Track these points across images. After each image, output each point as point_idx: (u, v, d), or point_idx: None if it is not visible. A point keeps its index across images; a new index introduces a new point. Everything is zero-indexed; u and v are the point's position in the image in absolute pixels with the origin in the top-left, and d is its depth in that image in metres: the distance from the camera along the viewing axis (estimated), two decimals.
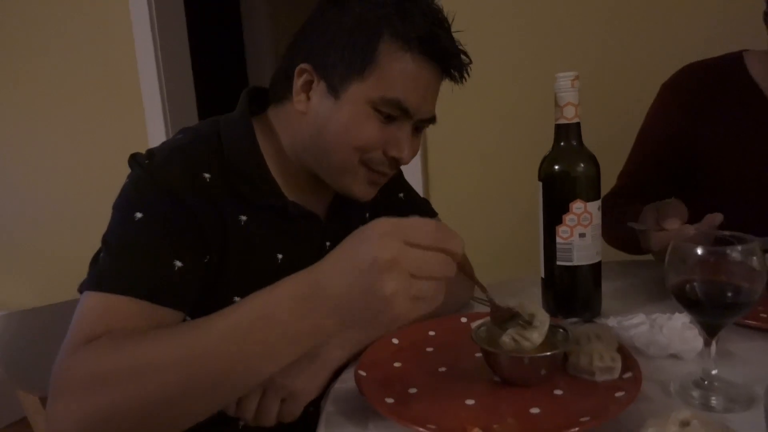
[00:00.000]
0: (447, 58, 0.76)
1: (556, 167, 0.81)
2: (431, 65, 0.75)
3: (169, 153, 0.73)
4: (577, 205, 0.80)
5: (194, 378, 0.53)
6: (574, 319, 0.77)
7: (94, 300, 0.64)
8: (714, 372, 0.61)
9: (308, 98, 0.77)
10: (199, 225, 0.71)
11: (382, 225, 0.51)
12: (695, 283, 0.59)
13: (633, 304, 0.87)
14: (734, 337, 0.73)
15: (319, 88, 0.76)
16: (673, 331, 0.70)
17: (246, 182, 0.76)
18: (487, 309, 0.85)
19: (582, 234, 0.80)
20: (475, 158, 1.69)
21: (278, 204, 0.79)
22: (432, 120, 0.81)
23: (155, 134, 2.13)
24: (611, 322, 0.77)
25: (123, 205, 0.70)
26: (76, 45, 2.19)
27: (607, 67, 1.50)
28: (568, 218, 0.80)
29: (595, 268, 0.83)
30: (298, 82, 0.77)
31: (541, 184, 0.83)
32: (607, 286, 0.86)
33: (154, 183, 0.69)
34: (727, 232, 0.60)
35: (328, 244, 0.85)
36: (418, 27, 0.73)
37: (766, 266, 0.56)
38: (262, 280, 0.77)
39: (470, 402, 0.62)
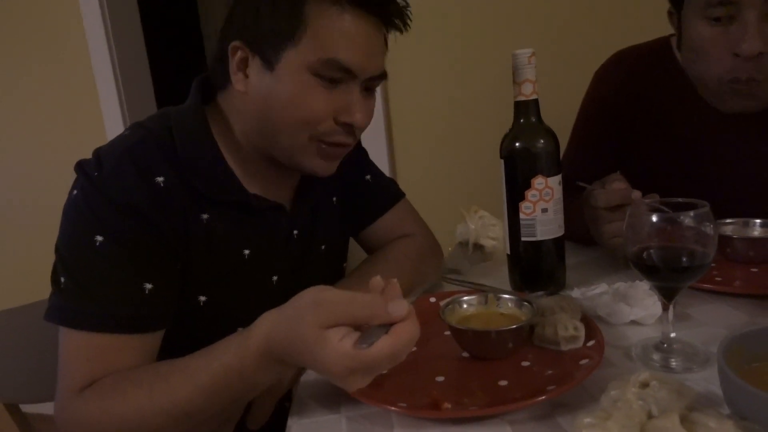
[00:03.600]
0: (381, 5, 0.72)
1: (517, 144, 0.82)
2: (366, 16, 0.71)
3: (118, 160, 0.69)
4: (538, 181, 0.81)
5: (177, 422, 0.60)
6: (540, 293, 0.78)
7: (76, 341, 0.65)
8: (672, 335, 0.64)
9: (246, 76, 0.73)
10: (162, 236, 0.69)
11: (335, 337, 0.51)
12: (651, 250, 0.60)
13: (596, 276, 0.89)
14: (692, 301, 0.76)
15: (254, 63, 0.72)
16: (634, 298, 0.72)
17: (203, 179, 0.73)
18: (456, 287, 0.87)
19: (544, 209, 0.82)
20: (441, 137, 1.70)
21: (240, 199, 0.76)
22: (383, 76, 0.76)
23: (113, 127, 2.07)
24: (575, 293, 0.79)
25: (79, 224, 0.67)
26: (23, 31, 2.10)
27: (565, 44, 1.52)
28: (530, 194, 0.81)
29: (559, 242, 0.84)
30: (234, 61, 0.73)
31: (502, 161, 0.84)
32: (571, 260, 0.88)
33: (108, 200, 0.66)
34: (681, 199, 0.62)
35: (295, 232, 0.84)
36: None
37: (718, 231, 0.58)
38: (229, 277, 0.77)
39: (440, 378, 0.63)
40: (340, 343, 0.50)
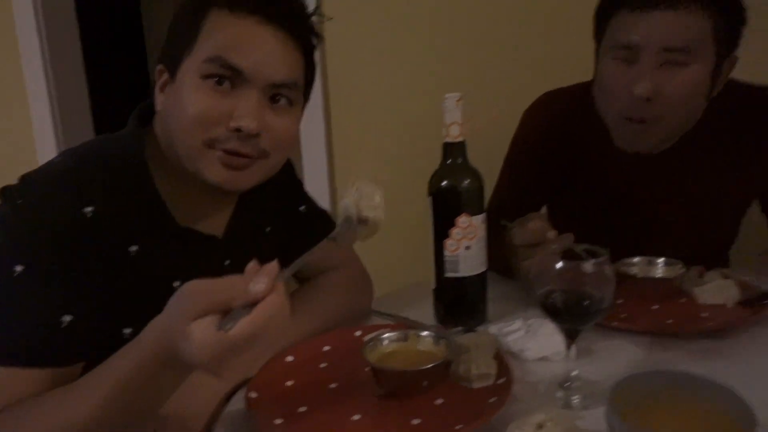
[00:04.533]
0: (279, 13, 0.72)
1: (443, 183, 0.85)
2: (266, 23, 0.71)
3: (44, 188, 0.67)
4: (462, 219, 0.85)
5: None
6: (459, 329, 0.82)
7: None
8: (575, 373, 0.68)
9: (164, 94, 0.75)
10: (86, 268, 0.67)
11: (199, 329, 0.52)
12: (555, 293, 0.65)
13: (516, 308, 0.93)
14: (597, 337, 0.81)
15: (168, 82, 0.74)
16: (545, 335, 0.77)
17: (135, 211, 0.72)
18: (383, 321, 0.89)
19: (468, 246, 0.85)
20: (379, 168, 1.74)
21: (171, 231, 0.76)
22: (290, 86, 0.74)
23: (44, 146, 1.99)
24: (493, 329, 0.83)
25: None
26: None
27: (492, 87, 1.59)
28: (454, 232, 0.85)
29: (481, 278, 0.88)
30: (158, 84, 0.75)
31: (430, 199, 0.87)
32: (495, 291, 0.92)
33: (31, 230, 0.64)
34: (583, 246, 0.67)
35: (227, 262, 0.84)
36: None
37: (614, 279, 0.63)
38: (159, 310, 0.75)
39: (356, 417, 0.64)
40: (203, 333, 0.51)
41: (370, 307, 0.94)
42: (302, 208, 0.98)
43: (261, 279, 0.54)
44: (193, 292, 0.54)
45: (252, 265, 0.57)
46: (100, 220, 0.69)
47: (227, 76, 0.70)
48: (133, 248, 0.72)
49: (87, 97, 2.13)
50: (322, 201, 1.76)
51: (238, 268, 0.86)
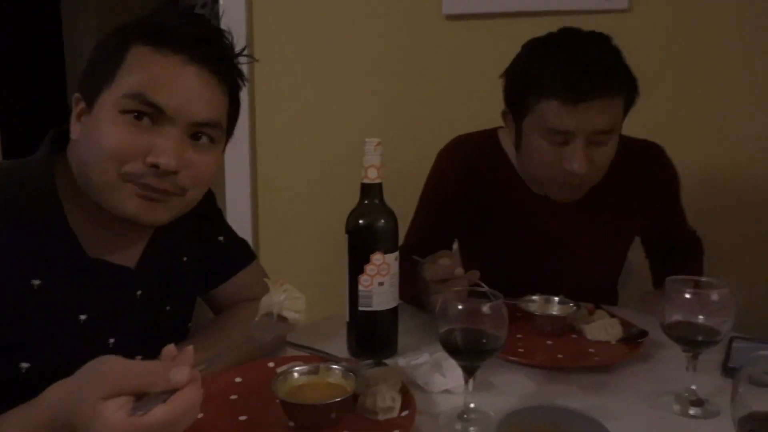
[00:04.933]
0: (201, 50, 0.72)
1: (360, 222, 0.90)
2: (188, 62, 0.72)
3: None
4: (376, 257, 0.89)
5: None
6: (369, 362, 0.85)
7: None
8: (472, 405, 0.73)
9: (81, 124, 0.74)
10: None
11: (110, 412, 0.50)
12: (455, 333, 0.70)
13: (425, 341, 0.98)
14: (496, 370, 0.87)
15: (85, 111, 0.73)
16: (448, 369, 0.82)
17: (41, 242, 0.70)
18: (298, 353, 0.91)
19: (381, 282, 0.90)
20: (300, 203, 1.79)
21: (80, 263, 0.74)
22: (212, 125, 0.75)
23: None
24: (401, 361, 0.87)
25: None
26: None
27: (409, 133, 1.70)
28: (368, 268, 0.89)
29: (393, 312, 0.93)
30: (74, 113, 0.74)
31: (347, 236, 0.91)
32: (405, 324, 0.97)
33: None
34: (484, 288, 0.73)
35: (139, 293, 0.82)
36: (169, 26, 0.72)
37: (507, 320, 0.69)
38: (58, 343, 0.73)
39: None
40: (114, 414, 0.50)
41: (285, 340, 0.96)
42: (221, 238, 0.98)
43: (182, 369, 0.53)
44: (110, 372, 0.53)
45: (169, 348, 0.57)
46: (3, 251, 0.67)
47: (147, 112, 0.70)
48: (36, 282, 0.70)
49: None
50: (244, 232, 1.77)
51: (151, 298, 0.87)
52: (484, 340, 0.70)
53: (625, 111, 1.01)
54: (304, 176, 1.82)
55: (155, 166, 0.70)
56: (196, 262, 0.94)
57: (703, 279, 0.78)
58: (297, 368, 0.77)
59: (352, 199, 0.92)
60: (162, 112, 0.70)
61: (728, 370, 0.86)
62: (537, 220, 1.15)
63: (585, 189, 1.05)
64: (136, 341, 0.81)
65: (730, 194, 1.57)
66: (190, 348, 0.57)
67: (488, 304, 0.69)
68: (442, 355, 0.85)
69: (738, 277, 1.02)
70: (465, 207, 1.19)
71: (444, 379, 0.81)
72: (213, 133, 0.76)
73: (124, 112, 0.70)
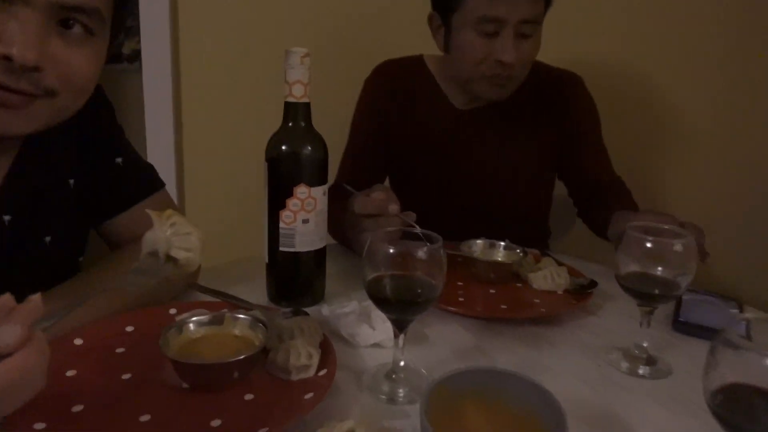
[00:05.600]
0: None
1: (282, 148, 0.76)
2: None
3: None
4: (301, 190, 0.76)
5: None
6: (287, 310, 0.73)
7: None
8: (402, 363, 0.63)
9: None
10: None
11: None
12: (384, 280, 0.59)
13: (356, 286, 0.87)
14: (432, 320, 0.78)
15: None
16: (378, 320, 0.72)
17: None
18: (206, 299, 0.78)
19: (305, 220, 0.77)
20: (223, 124, 1.60)
21: None
22: (87, 11, 0.58)
23: None
24: (325, 310, 0.76)
25: None
26: None
27: (344, 45, 1.53)
28: (291, 203, 0.76)
29: (319, 254, 0.81)
30: None
31: (266, 164, 0.77)
32: (333, 267, 0.86)
33: None
34: (419, 230, 0.62)
35: (7, 219, 0.67)
36: None
37: (445, 267, 0.58)
38: None
39: (145, 418, 0.54)
40: None
41: (192, 283, 0.83)
42: (118, 159, 0.82)
43: (9, 329, 0.41)
44: None
45: (4, 299, 0.43)
46: None
47: None
48: None
49: None
50: (166, 157, 1.58)
51: (23, 227, 0.71)
52: (419, 290, 0.59)
53: (546, 7, 1.02)
54: (228, 91, 1.61)
55: (6, 58, 0.54)
56: (86, 186, 0.78)
57: (666, 227, 0.69)
58: (195, 317, 0.64)
59: (275, 122, 0.78)
60: None
61: (679, 325, 0.80)
62: (463, 142, 1.14)
63: (512, 87, 1.06)
64: (5, 278, 0.67)
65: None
66: (34, 299, 0.44)
67: (424, 248, 0.57)
68: (372, 304, 0.75)
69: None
70: (395, 133, 1.16)
71: (372, 331, 0.71)
72: (89, 22, 0.59)
73: None
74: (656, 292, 0.67)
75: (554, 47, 1.14)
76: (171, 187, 1.57)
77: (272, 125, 0.78)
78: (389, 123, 1.16)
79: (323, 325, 0.70)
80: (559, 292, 0.87)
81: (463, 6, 1.00)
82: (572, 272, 0.91)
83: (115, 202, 0.82)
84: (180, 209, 0.90)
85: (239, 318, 0.65)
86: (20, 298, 0.56)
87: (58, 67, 0.58)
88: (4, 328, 0.40)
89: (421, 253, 0.58)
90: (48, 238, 0.74)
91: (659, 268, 0.67)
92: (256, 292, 0.82)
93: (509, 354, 0.72)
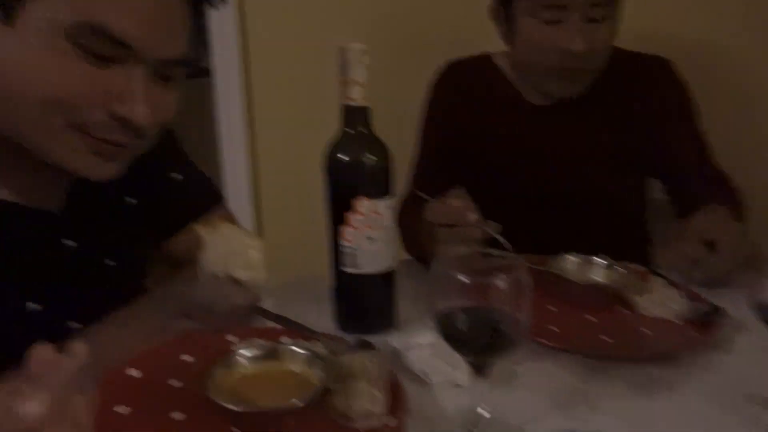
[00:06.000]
0: None
1: (339, 156, 0.68)
2: None
3: None
4: (362, 203, 0.68)
5: None
6: (351, 341, 0.65)
7: None
8: (483, 412, 0.53)
9: None
10: None
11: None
12: (458, 315, 0.49)
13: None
14: (523, 355, 0.65)
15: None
16: (456, 355, 0.62)
17: None
18: (268, 324, 0.72)
19: (370, 237, 0.69)
20: (296, 142, 1.55)
21: None
22: (184, 63, 0.58)
23: None
24: (395, 341, 0.67)
25: None
26: None
27: (403, 42, 1.42)
28: (353, 218, 0.68)
29: (388, 276, 0.72)
30: None
31: (325, 174, 0.70)
32: (408, 288, 0.76)
33: None
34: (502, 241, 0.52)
35: (69, 243, 0.65)
36: None
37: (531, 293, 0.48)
38: None
39: None
40: None
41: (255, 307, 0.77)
42: (177, 175, 0.78)
43: (38, 401, 0.37)
44: None
45: (43, 354, 0.39)
46: None
47: (111, 53, 0.52)
48: None
49: None
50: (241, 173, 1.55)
51: (86, 249, 0.68)
52: (499, 327, 0.48)
53: None
54: (299, 98, 1.55)
55: (125, 119, 0.54)
56: (146, 205, 0.75)
57: None
58: (248, 351, 0.58)
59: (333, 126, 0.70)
60: (129, 47, 0.52)
61: None
62: (542, 141, 1.04)
63: (585, 80, 0.96)
64: (68, 305, 0.64)
65: None
66: (77, 348, 0.40)
67: (505, 274, 0.47)
68: None
69: None
70: (468, 137, 1.06)
71: (450, 369, 0.61)
72: (182, 71, 0.59)
73: (77, 44, 0.50)
74: None
75: (636, 27, 1.02)
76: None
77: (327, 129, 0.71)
78: (462, 127, 1.07)
79: (393, 359, 0.61)
80: (675, 321, 0.72)
81: None
82: (690, 295, 0.76)
83: (174, 219, 0.79)
84: (242, 222, 0.86)
85: (296, 352, 0.58)
86: (85, 323, 0.53)
87: (157, 115, 0.57)
88: (29, 402, 0.36)
89: (502, 282, 0.47)
90: (111, 262, 0.71)
91: None
92: (324, 315, 0.75)
93: (616, 400, 0.59)
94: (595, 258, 0.81)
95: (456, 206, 0.74)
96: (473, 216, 0.72)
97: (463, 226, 0.73)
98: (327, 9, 1.51)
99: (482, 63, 1.09)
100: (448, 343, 0.50)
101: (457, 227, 0.73)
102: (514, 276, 0.47)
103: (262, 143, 1.61)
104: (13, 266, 0.60)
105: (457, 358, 0.61)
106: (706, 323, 0.70)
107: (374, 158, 0.67)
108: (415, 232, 0.82)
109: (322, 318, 0.73)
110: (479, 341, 0.49)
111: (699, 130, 1.04)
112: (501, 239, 0.74)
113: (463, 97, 1.07)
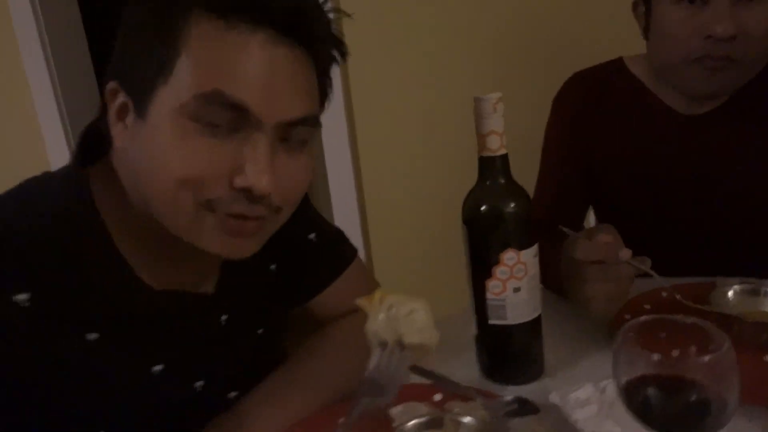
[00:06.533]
0: (291, 22, 0.52)
1: (482, 208, 0.66)
2: (274, 38, 0.52)
3: None
4: (509, 255, 0.65)
5: None
6: (510, 399, 0.63)
7: None
8: None
9: (126, 127, 0.55)
10: (15, 376, 0.51)
11: None
12: (649, 388, 0.46)
13: (579, 354, 0.74)
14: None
15: (131, 111, 0.55)
16: (623, 412, 0.58)
17: (89, 285, 0.55)
18: (418, 381, 0.71)
19: (517, 288, 0.66)
20: (406, 184, 1.54)
21: (141, 303, 0.58)
22: (308, 122, 0.56)
23: (54, 146, 1.86)
24: (554, 397, 0.64)
25: None
26: None
27: (526, 85, 1.37)
28: (498, 271, 0.66)
29: (534, 325, 0.69)
30: (112, 108, 0.55)
31: (464, 227, 0.68)
32: (549, 334, 0.73)
33: None
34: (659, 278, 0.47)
35: (224, 318, 0.67)
36: None
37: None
38: (136, 403, 0.59)
39: None
40: None
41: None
42: (312, 235, 0.79)
43: None
44: None
45: None
46: (42, 307, 0.52)
47: (229, 119, 0.52)
48: (92, 336, 0.55)
49: (96, 87, 1.99)
50: (351, 218, 1.56)
51: (239, 322, 0.68)
52: (699, 407, 0.44)
53: None
54: (408, 148, 1.52)
55: (247, 189, 0.53)
56: (286, 269, 0.76)
57: None
58: (411, 420, 0.57)
59: (469, 175, 0.69)
60: (245, 112, 0.51)
61: None
62: (693, 155, 0.92)
63: (735, 75, 0.83)
64: (227, 378, 0.67)
65: None
66: None
67: (710, 352, 0.43)
68: (611, 385, 0.61)
69: None
70: (599, 153, 0.97)
71: (618, 429, 0.58)
72: (307, 132, 0.57)
73: (197, 119, 0.51)
74: None
75: None
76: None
77: (460, 180, 0.70)
78: (591, 142, 0.98)
79: (558, 421, 0.59)
80: None
81: None
82: None
83: (314, 280, 0.79)
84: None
85: (463, 422, 0.57)
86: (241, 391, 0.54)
87: (284, 182, 0.55)
88: None
89: (704, 357, 0.43)
90: (260, 330, 0.73)
91: None
92: (466, 366, 0.73)
93: None
94: (760, 284, 0.74)
95: (606, 242, 0.69)
96: (626, 253, 0.68)
97: (613, 264, 0.68)
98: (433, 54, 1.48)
99: (613, 70, 0.99)
100: (636, 417, 0.47)
101: (606, 264, 0.69)
102: (714, 348, 0.43)
103: (370, 196, 1.60)
104: (177, 349, 0.62)
105: (627, 416, 0.58)
106: None
107: (517, 208, 0.65)
108: (554, 266, 0.77)
109: (462, 368, 0.72)
110: (674, 414, 0.45)
111: None
112: (654, 274, 0.70)
113: (593, 110, 0.99)
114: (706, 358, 0.43)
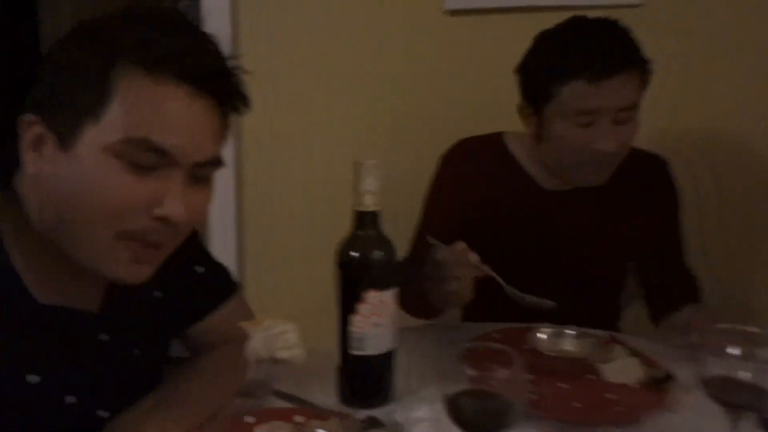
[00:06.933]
0: (209, 80, 0.61)
1: (352, 254, 0.79)
2: (195, 92, 0.60)
3: None
4: (372, 295, 0.78)
5: None
6: (362, 418, 0.74)
7: None
8: None
9: (41, 156, 0.60)
10: None
11: None
12: (465, 399, 0.59)
13: (426, 382, 0.86)
14: None
15: (50, 143, 0.60)
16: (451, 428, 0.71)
17: None
18: (284, 404, 0.79)
19: (377, 324, 0.79)
20: (289, 223, 1.62)
21: (25, 311, 0.62)
22: (215, 163, 0.65)
23: None
24: (399, 415, 0.76)
25: None
26: None
27: (409, 139, 1.54)
28: (362, 308, 0.78)
29: (389, 356, 0.82)
30: (26, 139, 0.60)
31: (337, 269, 0.80)
32: (403, 360, 0.85)
33: None
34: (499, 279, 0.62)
35: (103, 337, 0.71)
36: (165, 46, 0.59)
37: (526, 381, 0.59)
38: (7, 412, 0.61)
39: None
40: None
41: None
42: (199, 268, 0.85)
43: None
44: None
45: None
46: None
47: (153, 161, 0.59)
48: None
49: None
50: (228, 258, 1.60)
51: (118, 342, 0.74)
52: (501, 410, 0.59)
53: (642, 88, 1.01)
54: (293, 196, 1.63)
55: (164, 218, 0.60)
56: (171, 297, 0.81)
57: (749, 329, 0.68)
58: None
59: (346, 219, 0.81)
60: (166, 154, 0.59)
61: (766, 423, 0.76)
62: (552, 224, 1.13)
63: (609, 171, 1.05)
64: (99, 396, 0.70)
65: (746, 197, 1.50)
66: None
67: (504, 368, 0.58)
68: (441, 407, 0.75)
69: None
70: (473, 214, 1.13)
71: None
72: (214, 167, 0.66)
73: (122, 158, 0.58)
74: (744, 399, 0.64)
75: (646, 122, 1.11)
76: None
77: (340, 223, 0.82)
78: (467, 204, 1.13)
79: None
80: (633, 385, 0.85)
81: (557, 98, 0.98)
82: (647, 362, 0.89)
83: (196, 309, 0.85)
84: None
85: None
86: (112, 411, 0.58)
87: (193, 212, 0.63)
88: None
89: (503, 373, 0.58)
90: (137, 351, 0.77)
91: (746, 373, 0.65)
92: (326, 390, 0.83)
93: None
94: (565, 329, 0.94)
95: (460, 249, 0.86)
96: (475, 257, 0.86)
97: (464, 265, 0.86)
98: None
99: (493, 143, 1.15)
100: (458, 425, 0.60)
101: (458, 264, 0.86)
102: (513, 368, 0.58)
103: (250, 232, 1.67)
104: (55, 363, 0.66)
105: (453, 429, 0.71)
106: (660, 388, 0.83)
107: (383, 255, 0.78)
108: (417, 293, 0.92)
109: (323, 393, 0.82)
110: (484, 424, 0.59)
111: (679, 230, 1.18)
112: (497, 277, 0.89)
113: (473, 174, 1.13)
114: (503, 373, 0.58)
